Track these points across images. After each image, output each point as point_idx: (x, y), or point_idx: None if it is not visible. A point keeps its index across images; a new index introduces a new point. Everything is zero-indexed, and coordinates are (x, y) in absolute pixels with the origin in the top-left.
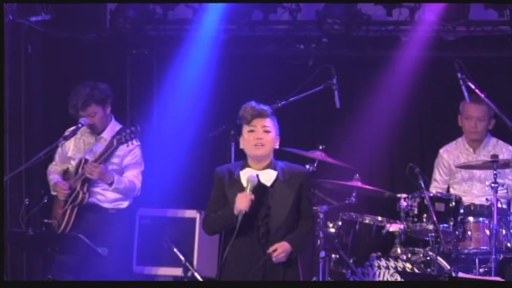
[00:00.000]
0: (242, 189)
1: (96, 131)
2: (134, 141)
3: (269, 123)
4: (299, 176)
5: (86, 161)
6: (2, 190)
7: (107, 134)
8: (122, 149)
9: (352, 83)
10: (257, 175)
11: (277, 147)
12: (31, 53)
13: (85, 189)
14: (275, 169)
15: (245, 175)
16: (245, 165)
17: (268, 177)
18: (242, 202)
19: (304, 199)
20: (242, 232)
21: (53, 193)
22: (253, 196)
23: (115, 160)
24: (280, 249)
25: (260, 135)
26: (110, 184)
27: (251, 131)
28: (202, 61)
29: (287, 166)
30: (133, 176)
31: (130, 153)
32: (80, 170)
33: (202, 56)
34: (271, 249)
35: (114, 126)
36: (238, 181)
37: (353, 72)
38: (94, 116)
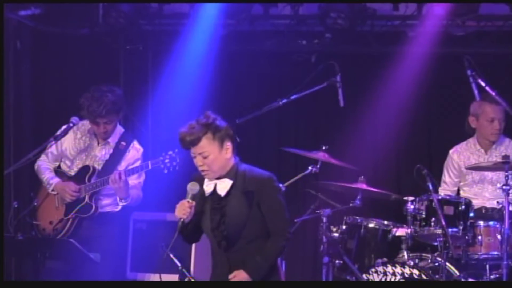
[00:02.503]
0: (204, 200)
1: (105, 138)
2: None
3: (205, 146)
4: (256, 183)
5: (95, 170)
6: (2, 190)
7: (112, 139)
8: (133, 156)
9: (356, 81)
10: (200, 184)
11: (228, 156)
12: (20, 49)
13: (95, 202)
14: (234, 177)
15: (206, 184)
16: None
17: (222, 186)
18: (180, 210)
19: (267, 212)
20: (210, 240)
21: (53, 192)
22: (193, 203)
23: (122, 164)
24: (236, 278)
25: (200, 162)
26: (122, 201)
27: (193, 157)
28: (199, 57)
29: (249, 173)
30: (140, 185)
31: (138, 161)
32: (93, 180)
33: (199, 52)
34: (230, 276)
35: (119, 130)
36: (202, 189)
37: (357, 69)
38: (110, 124)
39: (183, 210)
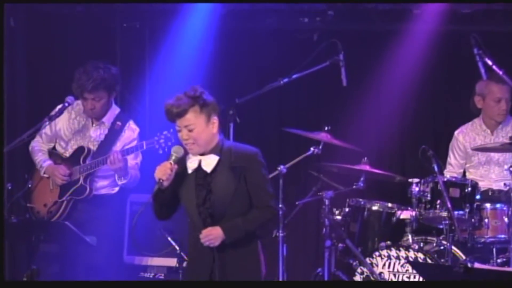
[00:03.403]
0: (186, 176)
1: (94, 116)
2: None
3: (191, 119)
4: (243, 159)
5: (90, 151)
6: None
7: (107, 119)
8: (129, 137)
9: (360, 59)
10: (185, 151)
11: (215, 131)
12: (14, 26)
13: (90, 183)
14: (219, 153)
15: (190, 161)
16: None
17: (208, 162)
18: (160, 171)
19: (254, 186)
20: (191, 219)
21: (44, 175)
22: (175, 167)
23: (118, 144)
24: (207, 233)
25: (186, 135)
26: (121, 179)
27: (178, 131)
28: (198, 35)
29: (235, 149)
30: (137, 166)
31: (134, 141)
32: (88, 161)
33: (198, 31)
34: (204, 231)
35: (114, 110)
36: (184, 168)
37: (361, 48)
38: (99, 101)
39: (164, 171)
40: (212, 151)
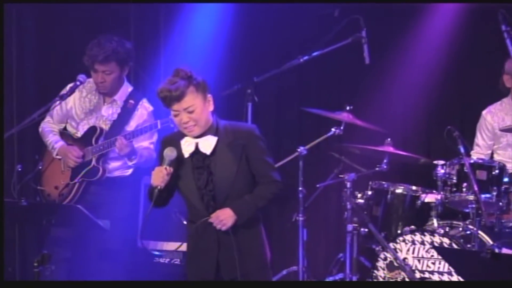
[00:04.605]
0: (182, 161)
1: (104, 91)
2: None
3: (189, 101)
4: (242, 136)
5: (102, 130)
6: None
7: (120, 97)
8: (143, 116)
9: (383, 36)
10: (175, 148)
11: (211, 108)
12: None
13: (102, 164)
14: (216, 133)
15: (185, 144)
16: (184, 134)
17: (207, 144)
18: (157, 178)
19: (256, 162)
20: (191, 204)
21: (57, 157)
22: (170, 170)
23: (131, 124)
24: (217, 214)
25: (186, 118)
26: (131, 159)
27: (176, 115)
28: (215, 11)
29: (231, 127)
30: (153, 146)
31: (149, 121)
32: (100, 141)
33: (215, 5)
34: (213, 215)
35: (126, 88)
36: (179, 152)
37: (384, 24)
38: (109, 75)
39: (161, 177)
40: (208, 132)
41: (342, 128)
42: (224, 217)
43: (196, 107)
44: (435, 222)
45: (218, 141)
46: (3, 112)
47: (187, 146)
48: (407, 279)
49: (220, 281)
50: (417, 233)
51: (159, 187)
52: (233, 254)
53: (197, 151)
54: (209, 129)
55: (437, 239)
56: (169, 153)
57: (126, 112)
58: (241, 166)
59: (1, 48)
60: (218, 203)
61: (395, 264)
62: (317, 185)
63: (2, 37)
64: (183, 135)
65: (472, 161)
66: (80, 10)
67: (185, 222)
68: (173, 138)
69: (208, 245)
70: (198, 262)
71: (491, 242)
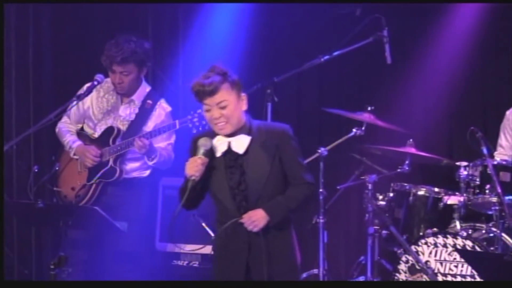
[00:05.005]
0: (214, 160)
1: (122, 91)
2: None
3: (224, 95)
4: (275, 136)
5: (120, 131)
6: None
7: (137, 97)
8: (161, 116)
9: (405, 35)
10: (211, 140)
11: (245, 107)
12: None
13: (119, 165)
14: (249, 133)
15: (217, 143)
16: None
17: (240, 144)
18: (191, 168)
19: (289, 163)
20: (221, 204)
21: (74, 156)
22: (206, 160)
23: (149, 124)
24: (249, 215)
25: (217, 114)
26: (151, 159)
27: (207, 110)
28: (234, 10)
29: (264, 127)
30: (171, 147)
31: (167, 121)
32: (118, 142)
33: (234, 5)
34: (245, 215)
35: (144, 88)
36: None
37: (406, 23)
38: (127, 75)
39: (195, 167)
40: (240, 131)
41: (363, 128)
42: (256, 218)
43: (228, 103)
44: (457, 224)
45: (251, 141)
46: (3, 112)
47: (220, 145)
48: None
49: (223, 282)
50: (439, 236)
51: (193, 178)
52: (262, 257)
53: (229, 150)
54: (242, 128)
55: (459, 241)
56: (204, 142)
57: (144, 113)
58: (274, 166)
59: (1, 48)
60: (250, 204)
61: (417, 267)
62: (338, 187)
63: (2, 37)
64: (214, 135)
65: (495, 163)
66: (98, 9)
67: (203, 224)
68: (204, 136)
69: (238, 247)
70: (227, 264)
71: None
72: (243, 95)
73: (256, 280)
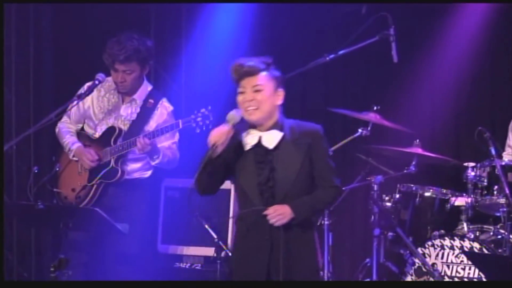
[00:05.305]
0: (243, 153)
1: (124, 90)
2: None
3: (262, 80)
4: (308, 135)
5: (121, 131)
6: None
7: (139, 96)
8: (162, 115)
9: (412, 34)
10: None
11: (279, 103)
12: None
13: (121, 166)
14: (281, 130)
15: (248, 137)
16: (249, 126)
17: (271, 139)
18: (216, 135)
19: (319, 163)
20: (247, 199)
21: (73, 158)
22: (232, 131)
23: (151, 124)
24: (275, 209)
25: (250, 96)
26: (154, 159)
27: (241, 92)
28: (238, 8)
29: (297, 125)
30: (175, 146)
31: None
32: (119, 142)
33: (237, 4)
34: (270, 208)
35: (146, 87)
36: (239, 143)
37: (413, 21)
38: (130, 74)
39: (221, 135)
40: (274, 127)
41: (369, 128)
42: (282, 212)
43: (264, 88)
44: (465, 226)
45: (283, 137)
46: (3, 112)
47: (250, 139)
48: None
49: (225, 281)
50: (446, 238)
51: (215, 146)
52: (285, 257)
53: (259, 144)
54: (274, 124)
55: (467, 243)
56: (235, 113)
57: (146, 112)
58: (304, 165)
59: (1, 48)
60: (277, 201)
61: (424, 269)
62: (343, 188)
63: (2, 37)
64: (246, 127)
65: (503, 163)
66: (98, 9)
67: (206, 226)
68: (236, 128)
69: (259, 244)
70: (248, 262)
71: None
72: (281, 90)
73: (266, 280)
